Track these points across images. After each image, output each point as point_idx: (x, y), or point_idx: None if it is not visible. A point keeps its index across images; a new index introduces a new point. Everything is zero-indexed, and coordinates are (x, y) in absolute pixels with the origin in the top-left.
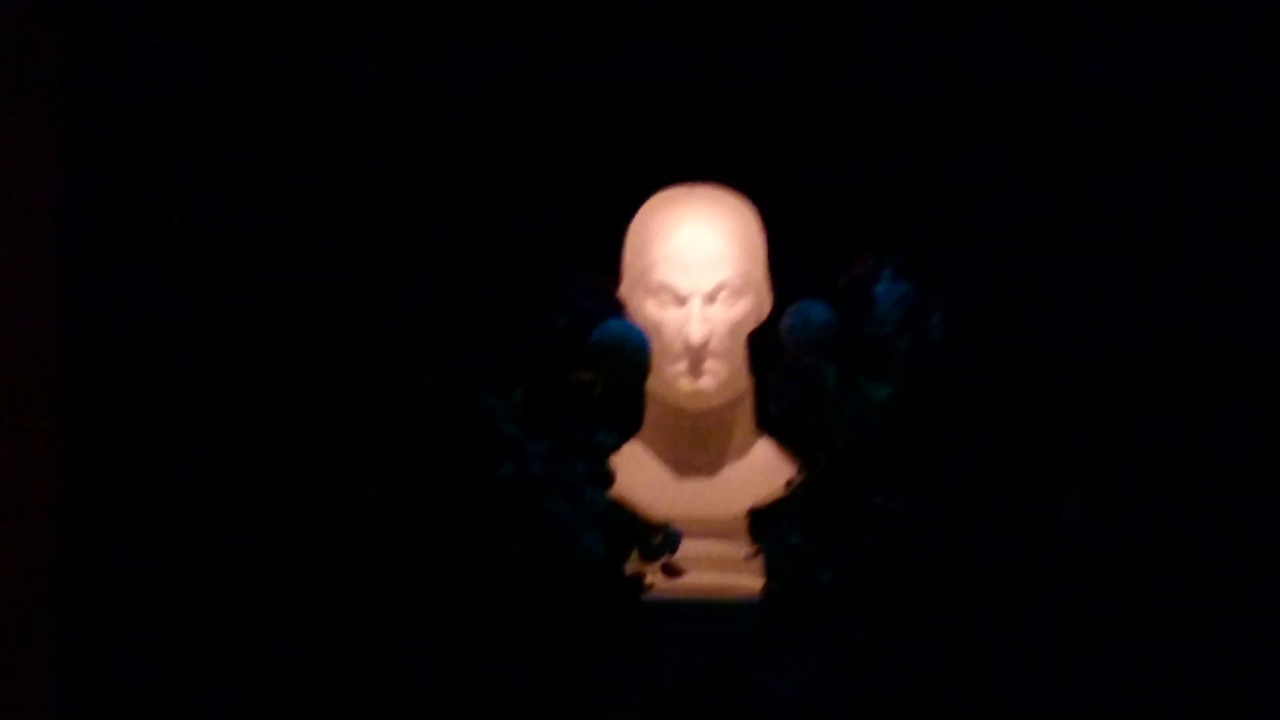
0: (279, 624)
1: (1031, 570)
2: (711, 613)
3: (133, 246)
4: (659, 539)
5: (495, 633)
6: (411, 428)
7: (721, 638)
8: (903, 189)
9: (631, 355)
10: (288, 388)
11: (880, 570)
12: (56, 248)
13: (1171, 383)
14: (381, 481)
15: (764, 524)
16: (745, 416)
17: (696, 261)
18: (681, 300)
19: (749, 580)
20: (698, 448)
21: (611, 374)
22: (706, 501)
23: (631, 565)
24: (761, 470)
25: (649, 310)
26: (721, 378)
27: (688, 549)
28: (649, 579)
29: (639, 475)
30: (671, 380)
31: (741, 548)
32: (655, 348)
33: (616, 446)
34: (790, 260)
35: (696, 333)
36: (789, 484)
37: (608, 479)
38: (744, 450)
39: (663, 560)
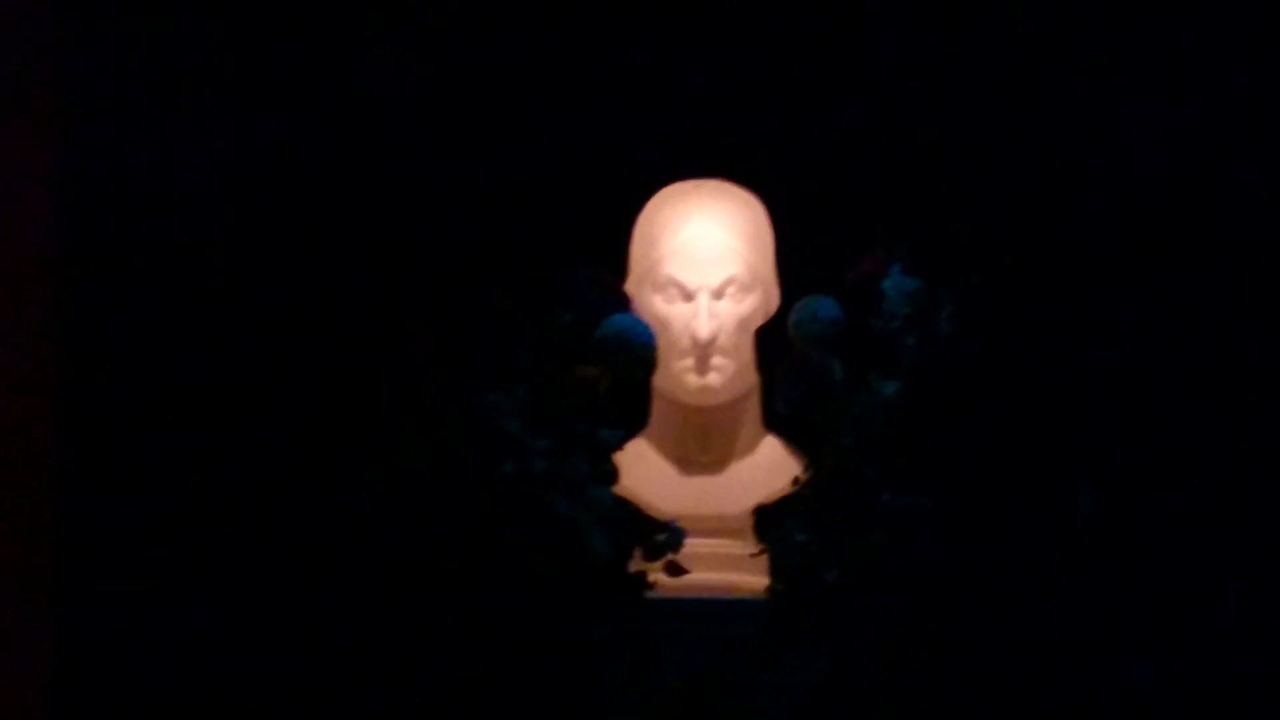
0: (277, 625)
1: (1040, 569)
2: (716, 611)
3: (132, 241)
4: (663, 537)
5: (497, 631)
6: (411, 424)
7: (726, 637)
8: (911, 184)
9: (637, 351)
10: (287, 384)
11: (887, 569)
12: (55, 243)
13: (1182, 379)
14: (380, 479)
15: (770, 522)
16: (752, 413)
17: (704, 257)
18: (689, 296)
19: (754, 578)
20: (704, 445)
21: (617, 370)
22: (712, 499)
23: (635, 563)
24: (768, 467)
25: (656, 306)
26: (728, 374)
27: (693, 547)
28: (652, 577)
29: (644, 472)
30: (678, 376)
31: (747, 546)
32: (662, 343)
33: (621, 443)
34: (798, 256)
35: (704, 328)
36: (795, 481)
37: (611, 476)
38: (750, 447)
39: (666, 558)
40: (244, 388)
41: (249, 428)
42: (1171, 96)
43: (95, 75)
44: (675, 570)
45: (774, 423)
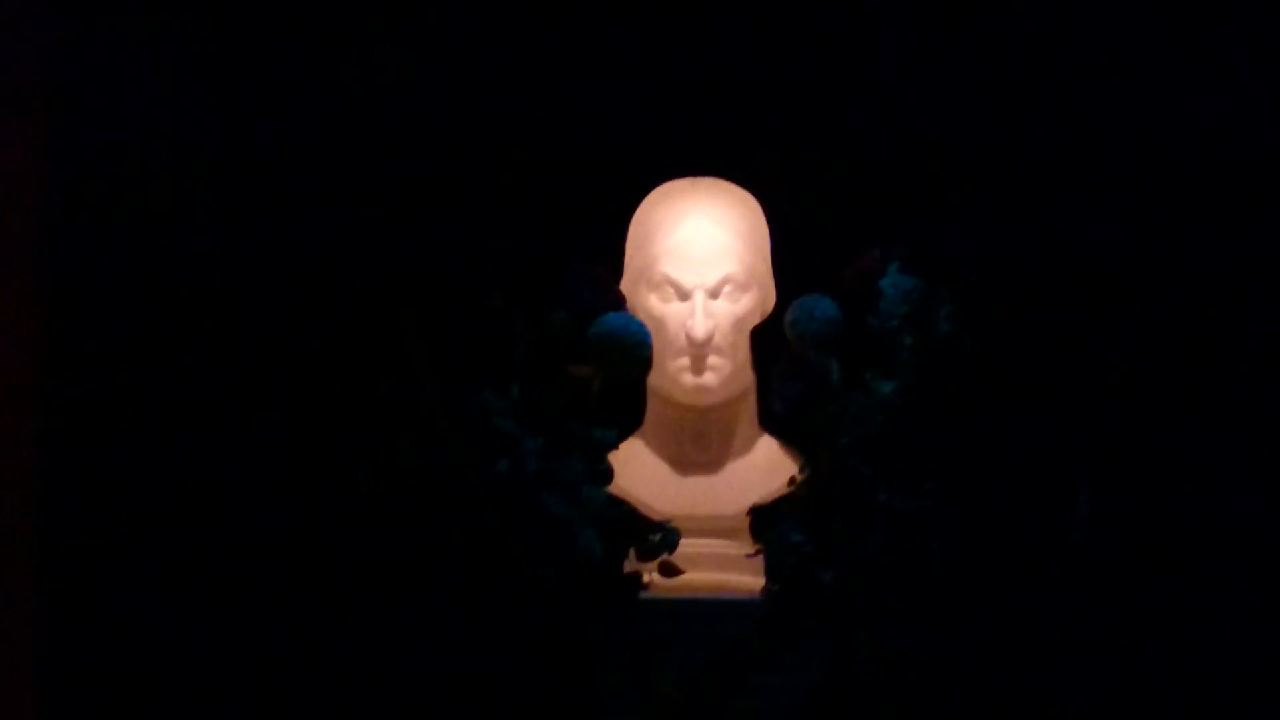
0: (269, 625)
1: (1038, 570)
2: (711, 612)
3: (121, 239)
4: (657, 537)
5: (490, 632)
6: (403, 423)
7: (721, 638)
8: (909, 182)
9: (632, 350)
10: (278, 382)
11: (883, 570)
12: (41, 242)
13: (1181, 379)
14: (372, 478)
15: (766, 522)
16: (748, 413)
17: (700, 255)
18: (685, 295)
19: (750, 580)
20: (699, 445)
21: (611, 369)
22: (708, 499)
23: (630, 564)
24: (764, 468)
25: (651, 304)
26: (724, 374)
27: (688, 547)
28: (647, 578)
29: (639, 472)
30: (673, 376)
31: (743, 546)
32: (657, 343)
33: (615, 443)
34: (795, 254)
35: (700, 328)
36: (791, 482)
37: (606, 476)
38: (746, 447)
39: (661, 559)
40: (235, 386)
41: (240, 426)
42: (1172, 94)
43: (82, 78)
44: (670, 571)
45: (770, 423)
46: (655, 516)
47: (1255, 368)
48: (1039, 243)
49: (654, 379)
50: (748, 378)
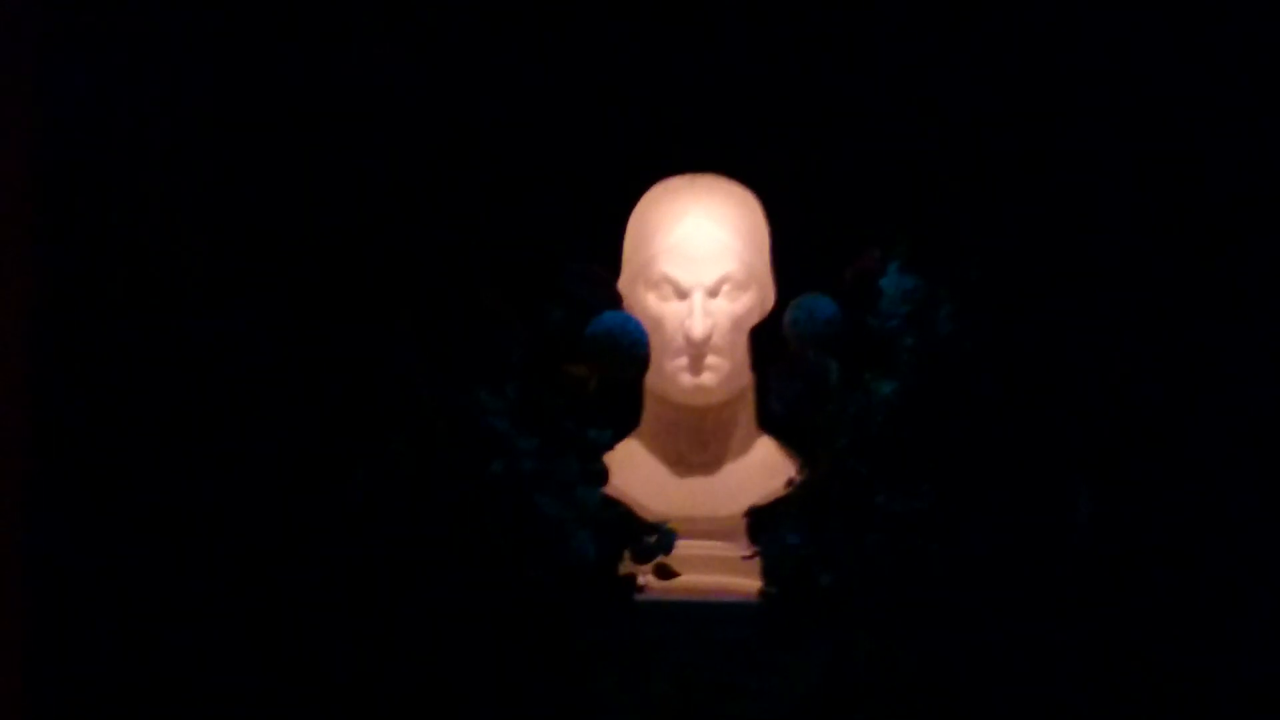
0: (262, 625)
1: (1038, 572)
2: (707, 615)
3: (116, 237)
4: (653, 539)
5: (484, 635)
6: (396, 422)
7: (718, 641)
8: (909, 180)
9: (630, 349)
10: (272, 381)
11: (882, 572)
12: (35, 243)
13: (1184, 379)
14: (366, 479)
15: (763, 524)
16: (746, 414)
17: (699, 254)
18: (683, 294)
19: (747, 581)
20: (697, 445)
21: (608, 368)
22: (705, 500)
23: (625, 566)
24: (762, 469)
25: (649, 303)
26: (723, 374)
27: (685, 549)
28: (642, 580)
29: (636, 473)
30: (671, 376)
31: (740, 548)
32: (655, 342)
33: (611, 444)
34: (794, 253)
35: (698, 327)
36: (790, 483)
37: (601, 477)
38: (745, 448)
39: (656, 561)
40: (229, 385)
41: (234, 426)
42: (1178, 91)
43: (74, 71)
44: (665, 573)
45: (769, 423)
46: (651, 518)
47: (1259, 368)
48: (1040, 242)
49: (652, 378)
50: (746, 378)
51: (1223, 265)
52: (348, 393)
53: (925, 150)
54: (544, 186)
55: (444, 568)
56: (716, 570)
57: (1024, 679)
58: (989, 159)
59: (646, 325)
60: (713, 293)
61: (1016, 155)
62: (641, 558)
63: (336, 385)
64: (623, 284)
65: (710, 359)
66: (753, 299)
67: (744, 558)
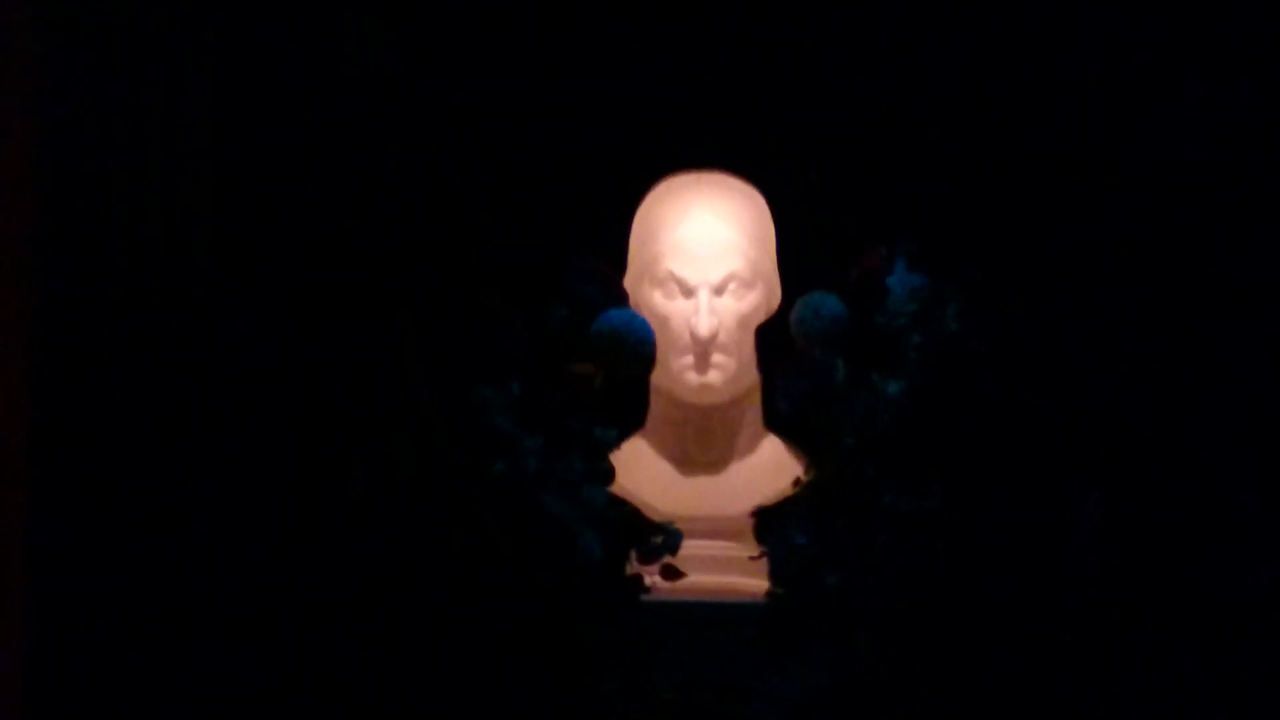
0: (264, 627)
1: (1047, 574)
2: (714, 615)
3: (115, 236)
4: (659, 539)
5: (488, 637)
6: (399, 421)
7: (724, 641)
8: (916, 177)
9: (635, 347)
10: (272, 379)
11: (890, 573)
12: (32, 241)
13: (1193, 379)
14: (367, 478)
15: (770, 524)
16: (753, 413)
17: (705, 252)
18: (689, 291)
19: (754, 582)
20: (703, 444)
21: (614, 366)
22: (711, 500)
23: (630, 566)
24: (768, 468)
25: (655, 301)
26: (729, 372)
27: (691, 549)
28: (648, 580)
29: (641, 472)
30: (677, 374)
31: (746, 548)
32: (661, 340)
33: (617, 442)
34: (800, 251)
35: (704, 325)
36: (796, 483)
37: (607, 476)
38: (751, 448)
39: (662, 561)
40: (230, 384)
41: (235, 426)
42: (1187, 90)
43: (75, 78)
44: (672, 573)
45: (775, 422)
46: (657, 517)
47: (1270, 364)
48: (1049, 240)
49: (657, 377)
50: (752, 377)
51: (1235, 265)
52: (350, 392)
53: (932, 147)
54: (548, 184)
55: (447, 568)
56: (723, 570)
57: (1032, 681)
58: (996, 156)
59: (652, 323)
60: (719, 291)
61: (1024, 152)
62: (648, 558)
63: (338, 384)
64: (628, 281)
65: (717, 358)
66: (759, 297)
67: (750, 558)
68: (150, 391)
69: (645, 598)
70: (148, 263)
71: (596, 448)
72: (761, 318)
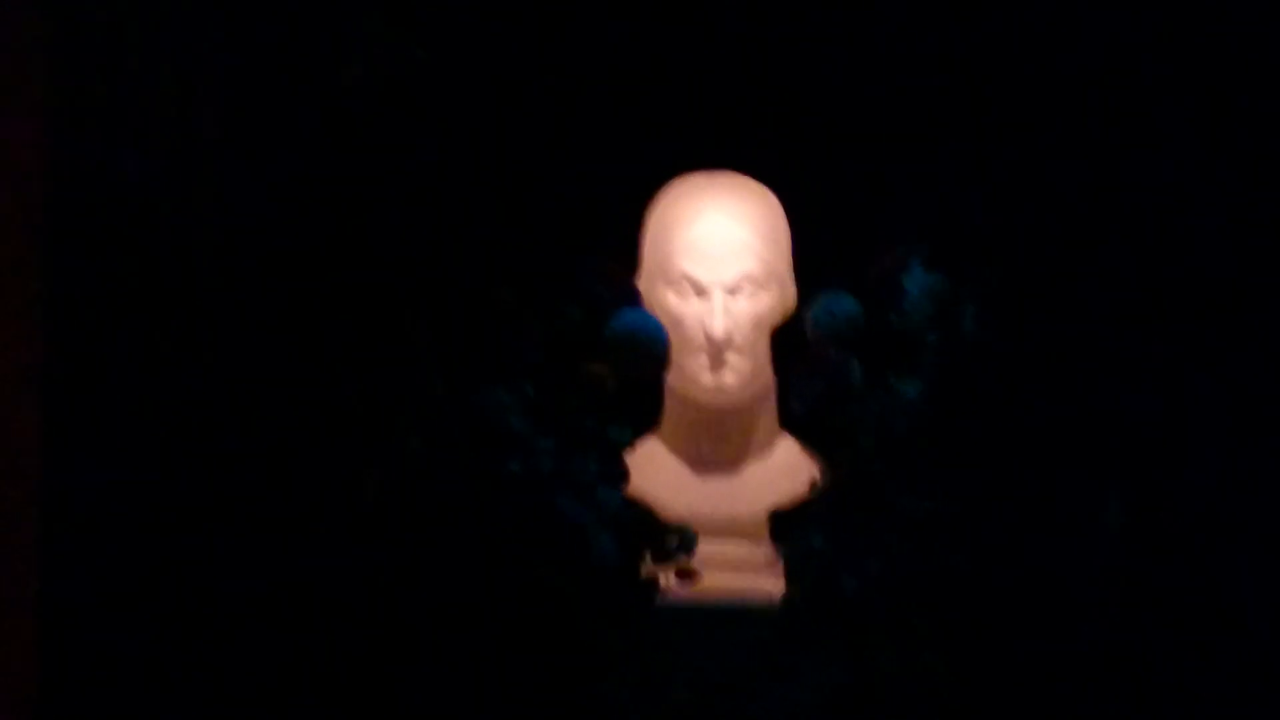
0: (276, 628)
1: (1066, 579)
2: (728, 618)
3: (126, 233)
4: (674, 540)
5: (501, 638)
6: (412, 422)
7: (739, 645)
8: (933, 176)
9: (649, 347)
10: (286, 379)
11: (906, 577)
12: (44, 239)
13: (1215, 383)
14: (379, 479)
15: (786, 526)
16: (767, 414)
17: (719, 252)
18: (702, 292)
19: (769, 585)
20: (717, 445)
21: (627, 367)
22: (726, 501)
23: (645, 568)
24: (784, 470)
25: (668, 301)
26: (744, 373)
27: (705, 551)
28: (663, 582)
29: (656, 473)
30: (691, 375)
31: (762, 551)
32: (675, 341)
33: (631, 443)
34: (816, 251)
35: (718, 326)
36: (812, 485)
37: (621, 477)
38: (766, 449)
39: (677, 563)
40: (242, 382)
41: (248, 426)
42: (1206, 90)
43: (86, 75)
44: (686, 575)
45: (790, 423)
46: (672, 519)
47: None
48: (1067, 240)
49: (671, 378)
50: (767, 377)
51: (1262, 269)
52: (363, 393)
53: (948, 146)
54: (562, 183)
55: (460, 570)
56: (738, 572)
57: (1050, 687)
58: (1013, 156)
59: (666, 323)
60: (732, 291)
61: (1042, 153)
62: (662, 559)
63: (352, 386)
64: (641, 282)
65: (731, 359)
66: (773, 298)
67: (766, 561)
68: (162, 392)
69: (659, 600)
70: (159, 261)
71: (610, 449)
72: (777, 318)
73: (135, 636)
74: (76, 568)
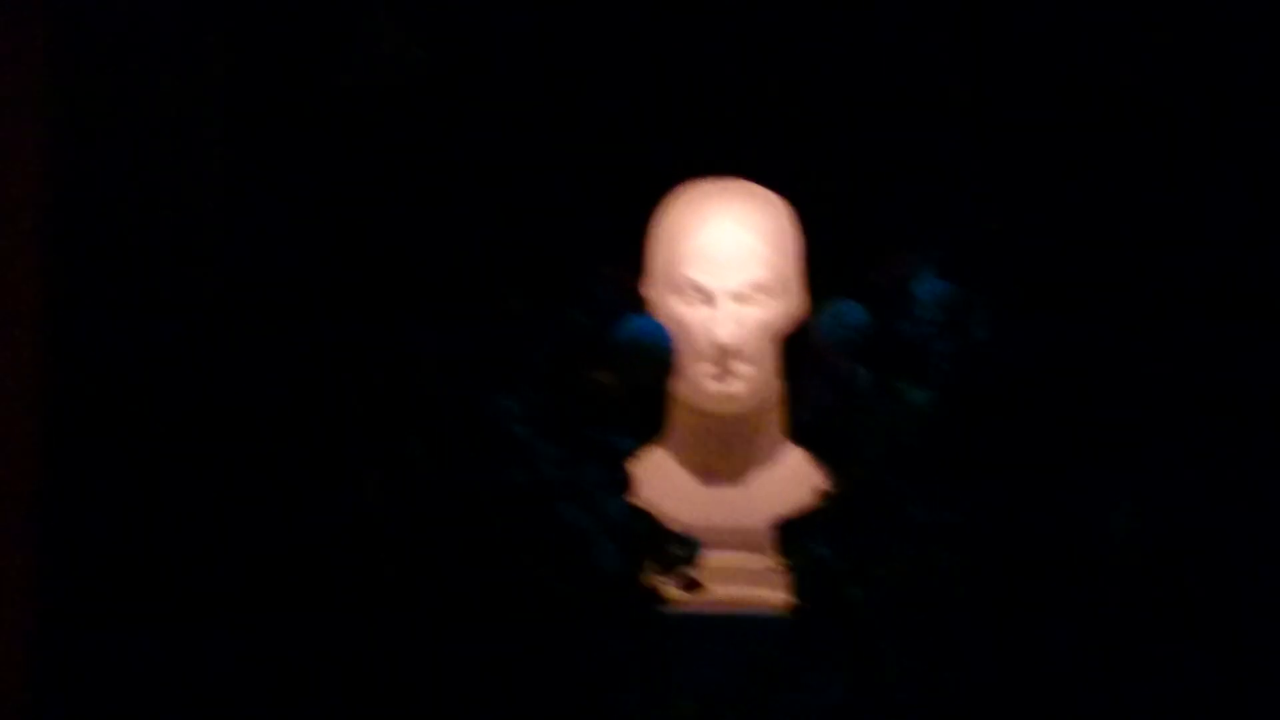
0: (277, 634)
1: (1075, 588)
2: (734, 628)
3: (127, 237)
4: (678, 549)
5: (503, 647)
6: (415, 428)
7: (744, 655)
8: (943, 182)
9: (655, 354)
10: (288, 385)
11: (915, 587)
12: (45, 245)
13: (1227, 389)
14: (382, 486)
15: (793, 536)
16: (775, 422)
17: (726, 259)
18: (709, 299)
19: (775, 595)
20: (724, 454)
21: (633, 374)
22: (732, 511)
23: (648, 577)
24: (791, 479)
25: (675, 308)
26: (751, 381)
27: (711, 560)
28: (666, 592)
29: (661, 482)
30: (698, 383)
31: (768, 560)
32: (681, 348)
33: (635, 451)
34: (824, 258)
35: (725, 333)
36: (820, 494)
37: (625, 485)
38: (773, 458)
39: (681, 572)
40: (244, 389)
41: (250, 430)
42: (1225, 96)
43: (86, 74)
44: (690, 585)
45: (798, 432)
46: (676, 527)
47: None
48: (1077, 247)
49: (678, 386)
50: (775, 386)
51: (1273, 275)
52: (366, 397)
53: (958, 153)
54: (568, 188)
55: (463, 577)
56: (743, 582)
57: (1060, 695)
58: (1024, 162)
59: (672, 330)
60: (740, 299)
61: (1053, 158)
62: (666, 568)
63: (355, 389)
64: (648, 288)
65: (738, 366)
66: (781, 306)
67: (773, 571)
68: (164, 395)
69: (663, 609)
70: (162, 264)
71: (615, 456)
72: (785, 326)
73: (135, 636)
74: (76, 568)
